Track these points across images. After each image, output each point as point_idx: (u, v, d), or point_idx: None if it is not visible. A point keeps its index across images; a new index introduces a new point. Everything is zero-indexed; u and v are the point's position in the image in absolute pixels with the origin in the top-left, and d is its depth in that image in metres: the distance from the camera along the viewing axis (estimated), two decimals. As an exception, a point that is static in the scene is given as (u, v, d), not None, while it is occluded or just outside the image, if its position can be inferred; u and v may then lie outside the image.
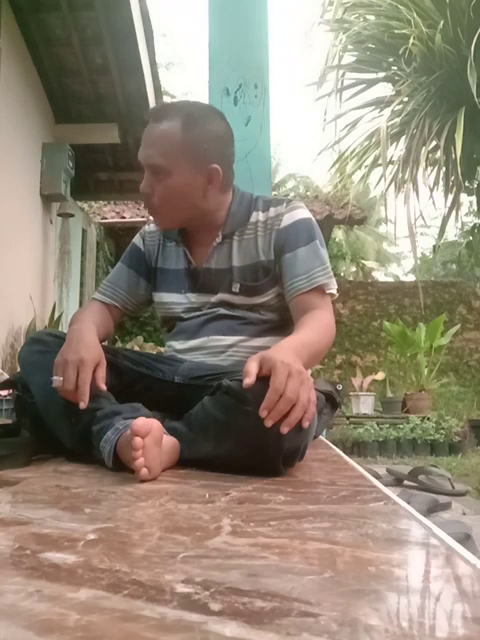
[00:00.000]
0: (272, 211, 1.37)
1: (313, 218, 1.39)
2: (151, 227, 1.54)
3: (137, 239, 1.55)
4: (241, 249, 1.38)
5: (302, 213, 1.37)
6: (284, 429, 0.94)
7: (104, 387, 1.17)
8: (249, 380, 0.96)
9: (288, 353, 1.03)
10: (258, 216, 1.38)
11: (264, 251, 1.36)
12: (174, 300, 1.45)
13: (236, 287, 1.37)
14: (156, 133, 1.28)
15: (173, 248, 1.47)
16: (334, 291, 1.33)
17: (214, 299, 1.40)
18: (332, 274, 1.35)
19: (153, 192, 1.30)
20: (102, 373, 1.18)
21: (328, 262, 1.36)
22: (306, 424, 0.97)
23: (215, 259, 1.40)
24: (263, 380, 0.96)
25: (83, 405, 1.12)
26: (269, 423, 0.94)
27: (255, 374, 0.97)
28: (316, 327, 1.22)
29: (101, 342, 1.32)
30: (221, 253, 1.39)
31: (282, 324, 1.39)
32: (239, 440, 1.01)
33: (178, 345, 1.44)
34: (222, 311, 1.39)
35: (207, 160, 1.28)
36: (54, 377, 1.15)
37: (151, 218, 1.41)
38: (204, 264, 1.40)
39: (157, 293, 1.49)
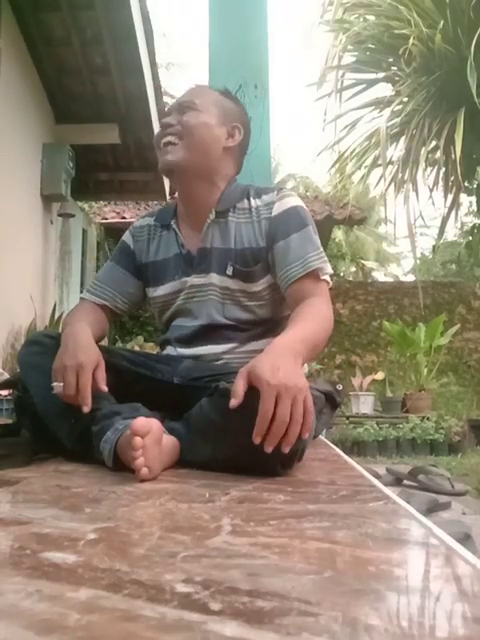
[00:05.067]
0: (264, 198, 1.37)
1: (304, 206, 1.38)
2: (140, 222, 1.52)
3: (127, 236, 1.52)
4: (234, 231, 1.37)
5: (293, 201, 1.36)
6: (285, 449, 0.93)
7: (105, 388, 1.16)
8: (235, 402, 0.94)
9: (283, 357, 0.99)
10: (250, 202, 1.38)
11: (256, 238, 1.35)
12: (169, 291, 1.42)
13: (230, 270, 1.35)
14: (196, 88, 1.45)
15: (164, 237, 1.45)
16: (328, 277, 1.30)
17: (209, 280, 1.37)
18: (326, 259, 1.32)
19: (177, 123, 1.35)
20: (102, 374, 1.17)
21: (321, 248, 1.33)
22: (306, 436, 0.96)
23: (210, 238, 1.38)
24: (255, 389, 0.94)
25: (86, 409, 1.12)
26: (269, 449, 0.92)
27: (242, 394, 0.95)
28: (314, 319, 1.19)
29: (97, 342, 1.32)
30: (216, 232, 1.38)
31: (276, 324, 1.38)
32: (236, 443, 1.00)
33: (171, 351, 1.43)
34: (214, 319, 1.37)
35: (233, 119, 1.40)
36: (54, 383, 1.14)
37: (166, 145, 1.34)
38: (199, 245, 1.39)
39: (151, 288, 1.47)
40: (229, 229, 1.37)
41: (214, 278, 1.37)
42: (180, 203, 1.46)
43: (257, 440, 0.92)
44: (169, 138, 1.34)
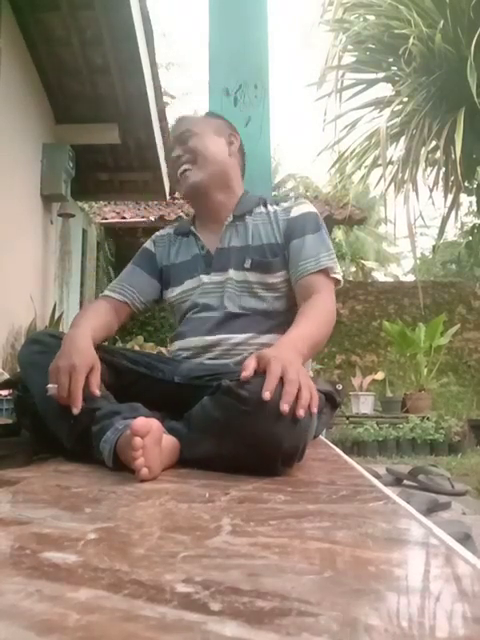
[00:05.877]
0: (282, 204, 1.50)
1: (319, 214, 1.51)
2: (161, 232, 1.64)
3: (148, 243, 1.63)
4: (252, 231, 1.48)
5: (309, 207, 1.50)
6: (300, 412, 0.96)
7: (98, 392, 1.17)
8: (247, 373, 1.00)
9: (286, 351, 1.07)
10: (267, 208, 1.51)
11: (274, 235, 1.46)
12: (186, 288, 1.51)
13: (248, 263, 1.44)
14: (182, 119, 1.57)
15: (184, 242, 1.56)
16: (339, 276, 1.41)
17: (227, 276, 1.45)
18: (337, 261, 1.43)
19: (184, 153, 1.48)
20: (96, 378, 1.18)
21: (333, 251, 1.45)
22: (315, 409, 1.00)
23: (228, 238, 1.49)
24: (262, 377, 0.98)
25: (76, 410, 1.13)
26: (286, 407, 0.94)
27: (253, 369, 1.00)
28: (318, 316, 1.28)
29: (102, 342, 1.32)
30: (233, 233, 1.49)
31: (290, 318, 1.39)
32: (238, 440, 1.01)
33: (184, 344, 1.46)
34: (230, 309, 1.42)
35: (226, 129, 1.54)
36: (49, 385, 1.16)
37: (184, 173, 1.48)
38: (217, 245, 1.49)
39: (169, 288, 1.55)
40: (247, 229, 1.48)
41: (232, 273, 1.45)
42: (199, 215, 1.58)
43: (267, 396, 0.95)
44: (184, 166, 1.47)
